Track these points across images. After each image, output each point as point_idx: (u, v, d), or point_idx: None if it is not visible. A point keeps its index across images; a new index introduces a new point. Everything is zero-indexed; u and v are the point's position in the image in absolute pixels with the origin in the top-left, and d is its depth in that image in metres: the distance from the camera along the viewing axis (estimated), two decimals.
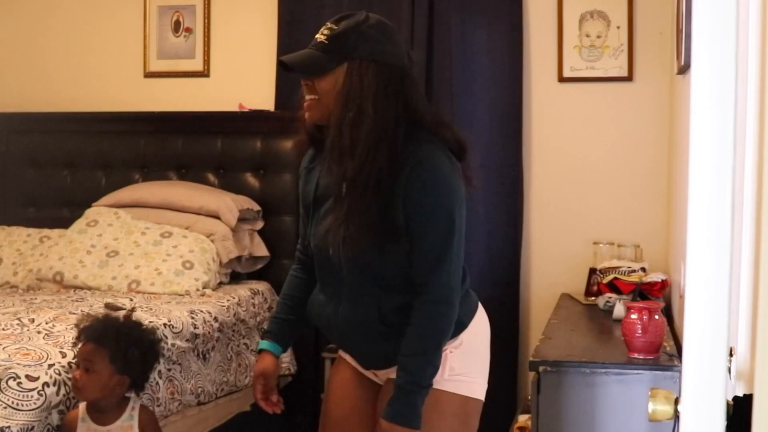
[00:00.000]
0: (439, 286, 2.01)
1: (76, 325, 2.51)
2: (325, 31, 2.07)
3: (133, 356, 2.45)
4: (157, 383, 2.84)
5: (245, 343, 3.57)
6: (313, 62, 2.04)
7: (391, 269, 2.05)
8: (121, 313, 2.61)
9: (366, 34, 2.02)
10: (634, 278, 3.26)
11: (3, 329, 2.77)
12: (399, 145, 1.99)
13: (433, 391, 2.06)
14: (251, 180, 4.13)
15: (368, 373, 2.27)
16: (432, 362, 2.02)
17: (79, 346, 2.44)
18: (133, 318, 2.58)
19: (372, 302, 2.08)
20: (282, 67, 2.10)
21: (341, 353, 2.34)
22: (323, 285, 2.21)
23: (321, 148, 2.12)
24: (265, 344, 2.31)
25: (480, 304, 2.25)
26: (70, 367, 2.51)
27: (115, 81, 4.48)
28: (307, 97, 2.06)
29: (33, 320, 2.89)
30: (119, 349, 2.41)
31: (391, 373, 2.15)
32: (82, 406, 2.43)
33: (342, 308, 2.14)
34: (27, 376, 2.37)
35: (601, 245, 3.68)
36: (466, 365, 2.12)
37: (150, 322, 2.90)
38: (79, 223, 3.91)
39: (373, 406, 2.25)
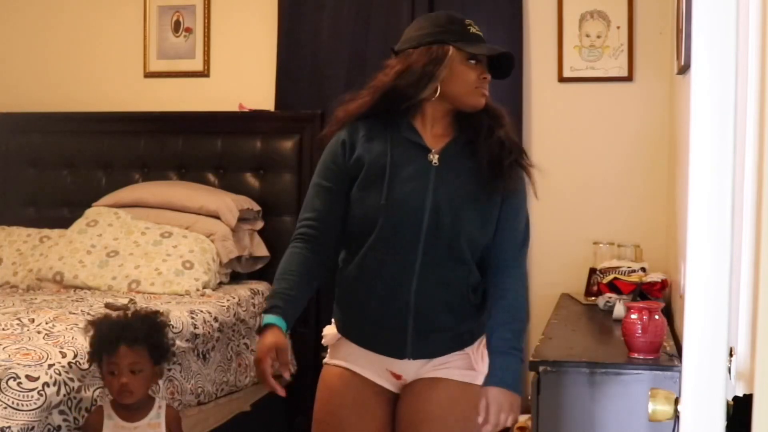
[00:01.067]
0: (522, 266, 2.22)
1: (93, 338, 2.46)
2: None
3: (166, 345, 2.51)
4: (158, 383, 2.84)
5: (245, 343, 3.57)
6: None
7: (486, 244, 2.18)
8: (127, 307, 2.61)
9: None
10: (634, 278, 3.26)
11: (3, 329, 2.77)
12: None
13: (475, 386, 2.14)
14: (251, 180, 4.13)
15: (383, 380, 2.22)
16: (524, 331, 2.17)
17: (119, 351, 2.40)
18: (138, 307, 2.59)
19: (463, 276, 2.15)
20: (491, 65, 2.21)
21: (336, 361, 2.26)
22: (389, 256, 2.13)
23: (380, 119, 2.21)
24: (272, 318, 2.10)
25: None
26: (71, 367, 2.51)
27: (115, 81, 4.48)
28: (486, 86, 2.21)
29: (33, 320, 2.89)
30: (154, 342, 2.46)
31: (433, 370, 2.17)
32: (107, 404, 2.43)
33: (417, 281, 2.11)
34: (27, 376, 2.37)
35: (601, 245, 3.68)
36: None
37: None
38: (79, 223, 3.91)
39: (389, 416, 2.22)
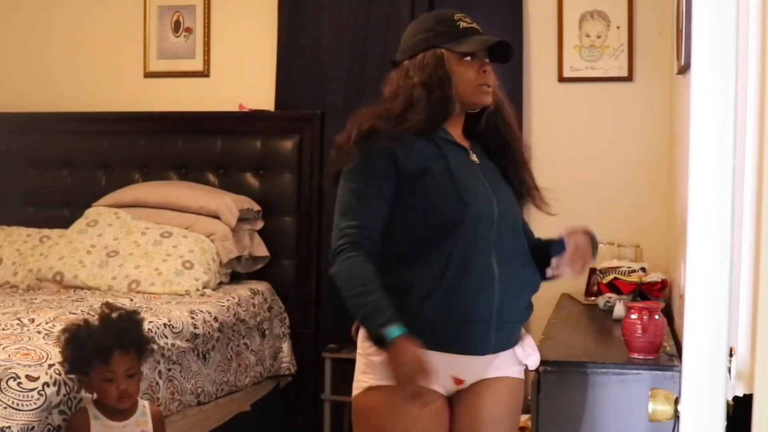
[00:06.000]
0: None
1: (71, 350, 2.41)
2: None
3: (145, 342, 2.51)
4: (157, 383, 2.84)
5: (245, 343, 3.57)
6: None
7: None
8: (99, 311, 2.55)
9: None
10: (634, 278, 3.26)
11: (3, 329, 2.77)
12: None
13: (522, 381, 2.26)
14: (251, 180, 4.13)
15: (441, 387, 2.13)
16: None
17: (114, 358, 2.37)
18: (113, 307, 2.55)
19: (528, 262, 2.24)
20: (490, 49, 2.21)
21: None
22: (473, 251, 2.11)
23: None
24: (402, 328, 2.00)
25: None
26: None
27: (115, 81, 4.48)
28: (493, 80, 2.22)
29: (33, 320, 2.89)
30: (139, 343, 2.47)
31: (494, 370, 2.17)
32: (90, 405, 2.43)
33: (499, 272, 2.13)
34: (27, 376, 2.37)
35: (601, 245, 3.67)
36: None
37: (150, 321, 2.91)
38: (79, 223, 3.91)
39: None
